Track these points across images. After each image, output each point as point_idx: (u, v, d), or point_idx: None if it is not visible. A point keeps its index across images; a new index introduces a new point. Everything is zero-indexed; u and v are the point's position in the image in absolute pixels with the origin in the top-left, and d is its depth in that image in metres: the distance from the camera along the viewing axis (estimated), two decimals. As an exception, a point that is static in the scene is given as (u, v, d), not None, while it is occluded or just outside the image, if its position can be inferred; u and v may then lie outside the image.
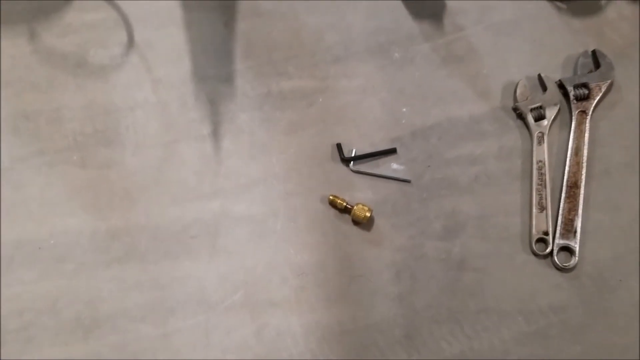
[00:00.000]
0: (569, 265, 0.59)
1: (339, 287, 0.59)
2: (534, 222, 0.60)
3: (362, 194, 0.61)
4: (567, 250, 0.59)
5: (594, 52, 0.64)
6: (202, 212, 0.61)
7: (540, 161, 0.62)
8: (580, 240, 0.59)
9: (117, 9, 0.67)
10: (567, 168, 0.61)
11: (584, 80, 0.63)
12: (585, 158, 0.61)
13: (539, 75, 0.64)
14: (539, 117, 0.63)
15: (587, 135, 0.62)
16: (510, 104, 0.64)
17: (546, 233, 0.60)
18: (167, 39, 0.66)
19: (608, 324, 0.58)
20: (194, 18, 0.67)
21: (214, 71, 0.65)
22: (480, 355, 0.57)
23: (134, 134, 0.63)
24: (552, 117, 0.63)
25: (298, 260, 0.60)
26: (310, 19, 0.67)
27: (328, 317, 0.58)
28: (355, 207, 0.59)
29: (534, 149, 0.62)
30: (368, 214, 0.59)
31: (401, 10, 0.67)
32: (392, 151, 0.62)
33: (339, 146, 0.62)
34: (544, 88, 0.64)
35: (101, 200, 0.61)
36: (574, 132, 0.62)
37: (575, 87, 0.63)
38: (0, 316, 0.58)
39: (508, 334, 0.58)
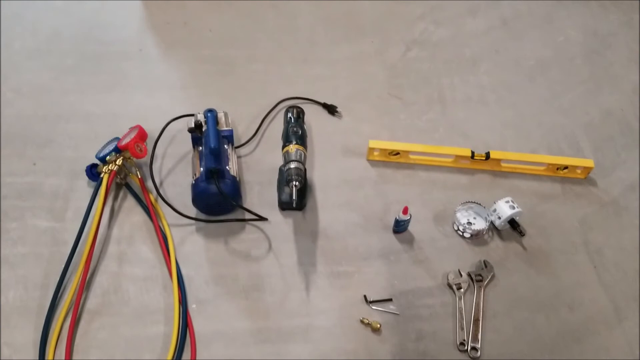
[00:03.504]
0: (476, 356, 1.23)
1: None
2: (457, 335, 1.26)
3: (377, 318, 1.29)
4: (474, 349, 1.24)
5: (484, 261, 1.40)
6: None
7: (460, 308, 1.31)
8: (480, 344, 1.24)
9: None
10: (473, 310, 1.30)
11: (479, 272, 1.37)
12: (473, 309, 1.30)
13: (459, 270, 1.38)
14: (459, 288, 1.34)
15: (482, 297, 1.32)
16: (446, 282, 1.37)
17: (464, 341, 1.25)
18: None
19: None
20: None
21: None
22: None
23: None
24: (465, 288, 1.34)
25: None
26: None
27: None
28: (372, 322, 1.27)
29: (457, 302, 1.32)
30: (379, 325, 1.26)
31: (393, 238, 1.46)
32: (389, 300, 1.33)
33: (365, 296, 1.33)
34: (461, 275, 1.37)
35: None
36: (476, 296, 1.33)
37: (476, 275, 1.36)
38: None
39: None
